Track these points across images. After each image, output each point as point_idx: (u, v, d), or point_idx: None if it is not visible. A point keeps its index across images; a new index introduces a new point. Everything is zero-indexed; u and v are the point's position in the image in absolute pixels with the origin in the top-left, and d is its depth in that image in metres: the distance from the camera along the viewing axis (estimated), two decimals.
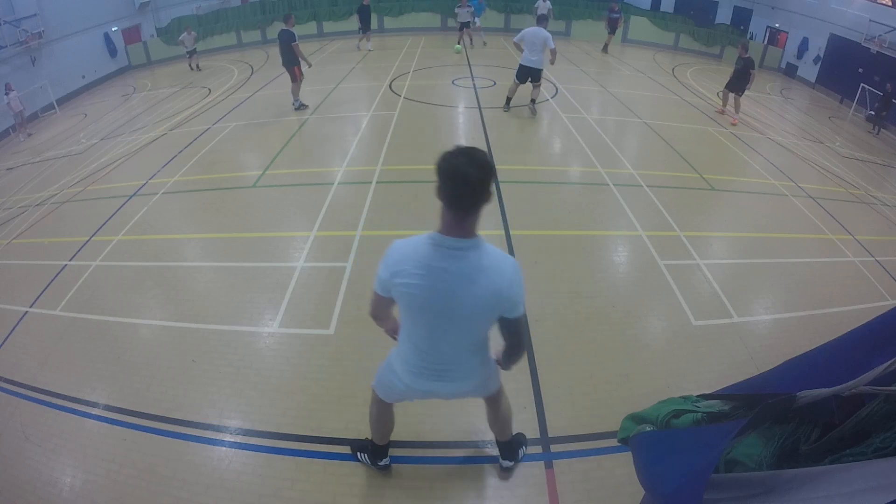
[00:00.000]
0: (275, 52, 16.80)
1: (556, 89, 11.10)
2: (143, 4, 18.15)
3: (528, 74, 8.50)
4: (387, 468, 2.92)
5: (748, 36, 19.32)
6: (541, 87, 8.89)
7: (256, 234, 5.54)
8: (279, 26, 20.39)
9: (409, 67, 12.85)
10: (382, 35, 18.20)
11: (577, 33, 18.90)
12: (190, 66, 15.43)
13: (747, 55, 9.75)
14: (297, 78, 9.31)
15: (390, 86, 11.02)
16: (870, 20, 14.59)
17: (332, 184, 6.49)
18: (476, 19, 15.11)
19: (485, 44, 15.64)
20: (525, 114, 9.28)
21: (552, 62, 8.49)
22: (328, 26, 19.04)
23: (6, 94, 12.36)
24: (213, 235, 5.69)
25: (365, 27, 14.95)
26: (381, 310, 2.12)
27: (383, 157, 7.22)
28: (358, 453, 3.00)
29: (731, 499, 1.35)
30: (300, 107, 9.60)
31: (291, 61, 9.13)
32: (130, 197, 6.64)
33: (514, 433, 2.88)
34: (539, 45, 8.12)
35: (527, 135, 8.46)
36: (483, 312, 1.89)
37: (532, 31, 8.18)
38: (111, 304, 4.58)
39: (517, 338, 2.02)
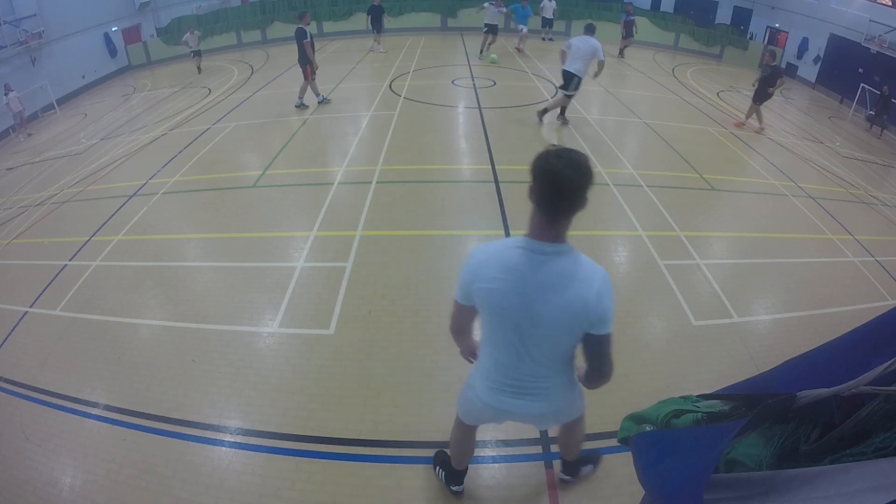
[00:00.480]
0: (274, 52, 16.90)
1: (557, 89, 11.09)
2: (143, 4, 18.17)
3: (569, 81, 7.98)
4: (459, 494, 2.80)
5: (748, 36, 19.33)
6: (562, 103, 8.40)
7: (256, 234, 5.54)
8: (279, 26, 20.43)
9: (409, 67, 12.85)
10: (382, 35, 18.18)
11: (577, 33, 18.84)
12: (199, 68, 14.97)
13: (775, 62, 9.37)
14: (307, 76, 9.30)
15: (390, 86, 11.02)
16: (870, 20, 14.60)
17: (332, 184, 6.49)
18: (523, 27, 14.27)
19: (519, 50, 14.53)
20: (525, 115, 9.27)
21: (597, 74, 8.21)
22: (328, 26, 19.05)
23: (5, 94, 12.36)
24: (213, 235, 5.69)
25: (377, 28, 14.61)
26: (462, 323, 1.98)
27: (383, 157, 7.21)
28: (437, 467, 2.88)
29: (731, 499, 1.35)
30: (301, 105, 9.64)
31: (304, 59, 9.13)
32: (130, 197, 6.64)
33: (581, 453, 2.76)
34: (583, 54, 7.69)
35: (527, 135, 8.45)
36: (567, 324, 1.72)
37: (580, 39, 7.79)
38: (111, 304, 4.58)
39: (600, 360, 1.81)
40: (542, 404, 1.97)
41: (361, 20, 18.76)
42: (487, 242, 1.81)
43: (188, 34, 14.88)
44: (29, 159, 10.27)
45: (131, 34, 18.11)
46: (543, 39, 17.32)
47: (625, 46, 15.59)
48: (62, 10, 15.00)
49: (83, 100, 15.32)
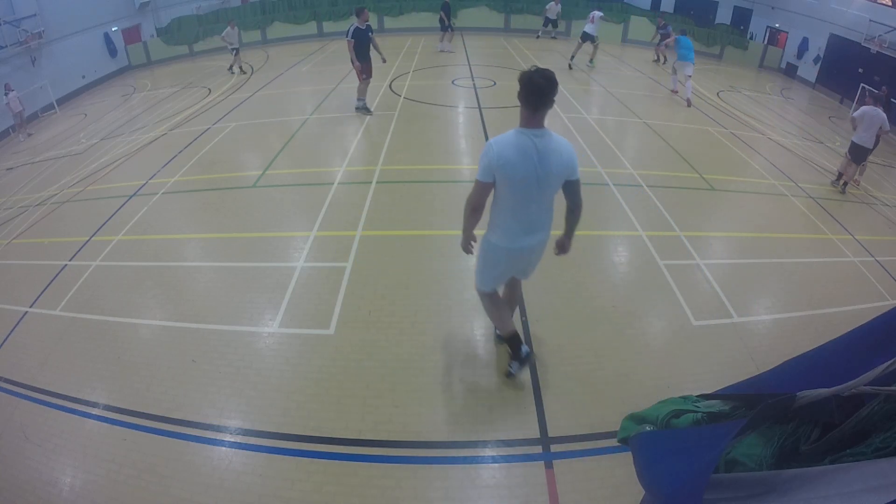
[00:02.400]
0: (274, 51, 16.88)
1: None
2: (143, 4, 18.16)
3: (858, 151, 7.43)
4: (529, 355, 3.48)
5: (748, 36, 19.31)
6: (864, 170, 7.76)
7: (256, 234, 5.54)
8: (279, 26, 20.33)
9: (409, 67, 12.85)
10: (382, 35, 18.17)
11: (577, 33, 18.85)
12: (232, 68, 13.64)
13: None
14: (358, 76, 8.72)
15: (390, 86, 11.03)
16: (870, 20, 14.58)
17: (332, 184, 6.49)
18: (680, 67, 11.08)
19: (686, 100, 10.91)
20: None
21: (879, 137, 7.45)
22: (328, 26, 19.05)
23: (5, 94, 12.35)
24: (213, 235, 5.69)
25: (449, 25, 14.27)
26: (482, 199, 2.84)
27: (383, 157, 7.21)
28: (513, 362, 3.51)
29: (731, 499, 1.35)
30: (364, 108, 9.08)
31: (354, 58, 8.45)
32: (130, 197, 6.64)
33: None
34: (875, 126, 7.23)
35: None
36: (559, 177, 2.78)
37: (874, 111, 7.26)
38: (111, 304, 4.58)
39: (578, 195, 2.92)
40: (542, 234, 3.04)
41: None
42: (497, 136, 2.75)
43: (228, 28, 13.37)
44: (29, 159, 10.27)
45: (131, 34, 18.10)
46: (538, 37, 17.54)
47: (662, 55, 15.11)
48: (62, 10, 14.98)
49: (83, 100, 15.31)
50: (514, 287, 3.53)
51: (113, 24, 17.11)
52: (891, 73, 13.84)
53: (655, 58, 15.45)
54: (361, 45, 8.39)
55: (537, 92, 2.55)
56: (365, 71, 8.63)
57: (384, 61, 9.37)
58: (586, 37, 13.24)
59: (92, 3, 16.04)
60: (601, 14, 13.51)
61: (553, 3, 16.57)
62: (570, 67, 13.32)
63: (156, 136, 9.22)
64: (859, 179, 8.21)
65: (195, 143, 8.35)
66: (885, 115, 7.25)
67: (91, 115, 12.80)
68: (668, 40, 14.47)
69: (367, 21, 8.41)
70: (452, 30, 14.62)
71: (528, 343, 3.90)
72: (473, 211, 2.89)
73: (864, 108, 7.39)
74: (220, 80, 13.38)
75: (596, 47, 13.76)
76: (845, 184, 7.55)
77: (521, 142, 2.66)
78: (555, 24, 17.36)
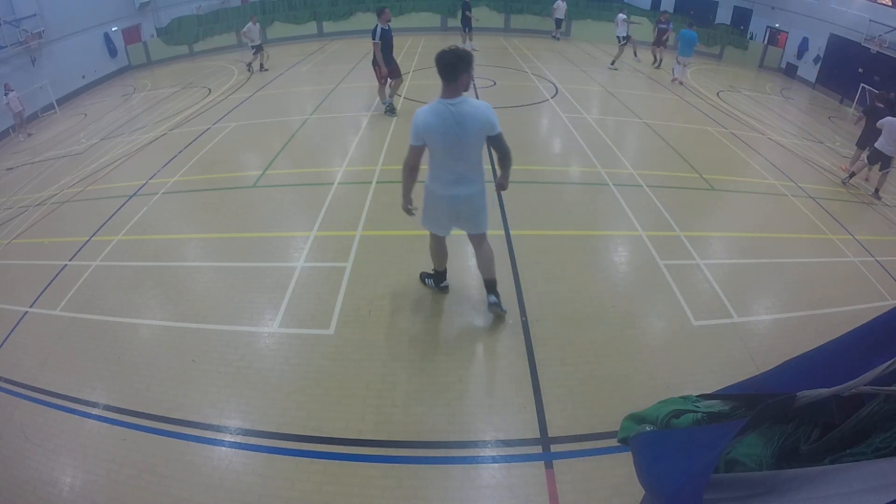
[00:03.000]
0: (274, 52, 16.87)
1: (556, 89, 11.10)
2: (143, 4, 18.16)
3: (879, 159, 7.62)
4: (446, 288, 4.35)
5: (748, 36, 19.30)
6: (886, 177, 7.72)
7: (256, 234, 5.54)
8: (279, 26, 20.31)
9: (410, 67, 12.85)
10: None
11: (577, 33, 18.91)
12: (250, 66, 13.48)
13: (879, 104, 8.00)
14: (378, 79, 8.57)
15: (390, 86, 11.00)
16: (870, 20, 14.59)
17: (332, 184, 6.49)
18: (685, 58, 12.60)
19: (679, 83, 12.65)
20: (524, 115, 9.27)
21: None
22: (328, 26, 19.05)
23: (5, 94, 12.35)
24: (213, 235, 5.69)
25: (468, 26, 14.30)
26: (416, 160, 3.39)
27: (383, 157, 7.21)
28: (425, 280, 4.42)
29: (731, 499, 1.35)
30: (389, 109, 8.96)
31: (375, 61, 8.31)
32: (130, 197, 6.64)
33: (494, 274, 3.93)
34: (894, 136, 7.43)
35: (527, 135, 8.45)
36: (479, 135, 3.29)
37: (892, 121, 7.45)
38: (111, 304, 4.58)
39: (503, 146, 3.41)
40: (474, 186, 3.52)
41: (362, 20, 18.82)
42: (422, 107, 3.28)
43: (250, 24, 12.97)
44: (29, 159, 10.27)
45: (131, 34, 18.10)
46: (556, 39, 17.63)
47: (659, 55, 14.92)
48: (62, 10, 14.97)
49: (83, 100, 15.31)
50: (478, 249, 3.83)
51: (113, 24, 17.11)
52: (891, 73, 13.85)
53: (657, 58, 15.43)
54: (388, 47, 8.26)
55: (447, 66, 3.08)
56: (394, 73, 8.48)
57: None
58: (621, 39, 14.13)
59: (92, 3, 16.04)
60: (624, 16, 14.23)
61: (560, 1, 16.66)
62: (613, 67, 13.99)
63: (156, 136, 9.22)
64: (869, 176, 8.23)
65: (195, 143, 8.35)
66: None
67: (91, 115, 12.80)
68: (665, 36, 14.61)
69: (389, 20, 8.27)
70: (470, 29, 14.60)
71: (529, 343, 3.90)
72: (411, 171, 3.43)
73: (888, 118, 7.52)
74: (219, 80, 13.38)
75: (621, 49, 14.16)
76: (877, 190, 7.62)
77: (440, 110, 3.19)
78: (558, 24, 17.48)
